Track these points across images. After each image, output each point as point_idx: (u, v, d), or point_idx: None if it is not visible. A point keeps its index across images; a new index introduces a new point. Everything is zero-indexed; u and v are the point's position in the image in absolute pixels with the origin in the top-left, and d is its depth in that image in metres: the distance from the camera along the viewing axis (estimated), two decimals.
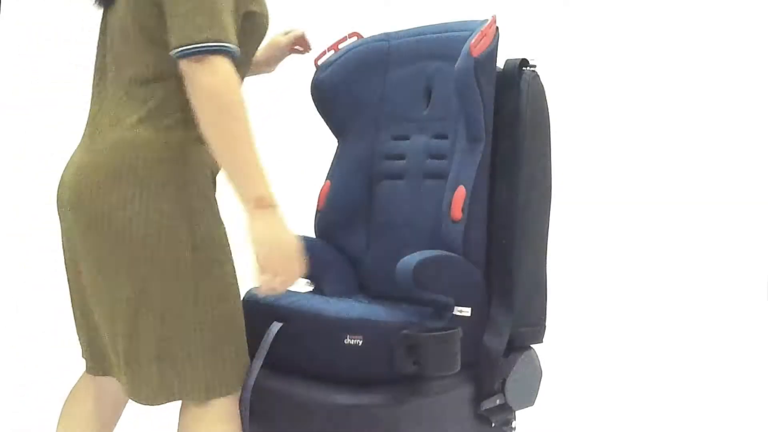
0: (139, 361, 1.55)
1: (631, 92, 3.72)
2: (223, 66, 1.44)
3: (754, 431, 2.82)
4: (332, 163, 2.09)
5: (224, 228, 1.61)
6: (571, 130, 3.53)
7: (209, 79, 1.43)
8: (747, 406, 2.99)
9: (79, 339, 1.75)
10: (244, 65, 1.66)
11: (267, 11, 1.66)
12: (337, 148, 2.09)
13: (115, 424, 1.80)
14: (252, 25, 1.61)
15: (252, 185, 1.47)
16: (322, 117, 2.08)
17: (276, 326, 1.71)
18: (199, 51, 1.43)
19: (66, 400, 1.80)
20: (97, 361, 1.71)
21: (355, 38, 2.11)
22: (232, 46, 1.46)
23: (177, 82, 1.53)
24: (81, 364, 1.77)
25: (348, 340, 1.64)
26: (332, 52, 2.07)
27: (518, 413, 1.87)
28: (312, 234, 2.08)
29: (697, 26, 3.68)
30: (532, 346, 1.88)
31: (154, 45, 1.54)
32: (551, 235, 1.89)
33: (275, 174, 1.75)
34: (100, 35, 1.70)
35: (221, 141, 1.46)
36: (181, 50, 1.43)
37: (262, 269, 1.50)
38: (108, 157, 1.54)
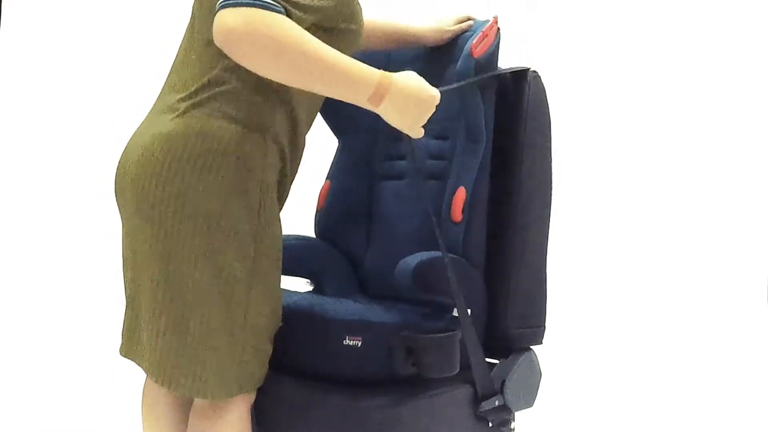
0: (176, 351, 1.52)
1: (632, 92, 3.72)
2: (242, 11, 1.37)
3: (753, 431, 2.83)
4: (332, 163, 2.09)
5: (281, 235, 1.61)
6: (571, 130, 3.52)
7: (233, 21, 1.36)
8: (746, 406, 2.99)
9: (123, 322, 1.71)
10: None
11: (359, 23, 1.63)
12: (338, 148, 2.09)
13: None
14: (345, 41, 1.60)
15: (359, 87, 1.44)
16: (323, 116, 2.08)
17: None
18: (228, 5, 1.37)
19: (142, 398, 1.79)
20: (130, 343, 1.67)
21: None
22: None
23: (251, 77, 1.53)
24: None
25: (347, 341, 1.64)
26: None
27: (517, 414, 1.87)
28: (312, 234, 2.07)
29: (698, 26, 3.67)
30: (531, 347, 1.88)
31: None
32: (551, 236, 1.89)
33: None
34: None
35: (296, 78, 1.40)
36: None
37: (416, 134, 1.53)
38: (172, 143, 1.51)
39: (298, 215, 2.36)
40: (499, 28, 1.80)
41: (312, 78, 1.40)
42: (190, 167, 1.49)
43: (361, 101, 1.46)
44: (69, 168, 3.55)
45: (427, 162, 1.92)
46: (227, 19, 1.36)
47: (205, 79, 1.55)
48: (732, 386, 3.15)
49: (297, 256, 1.98)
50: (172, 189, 1.49)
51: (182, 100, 1.56)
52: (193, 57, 1.59)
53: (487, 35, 1.77)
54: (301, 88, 1.43)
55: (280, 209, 1.68)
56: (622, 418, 2.91)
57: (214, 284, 1.50)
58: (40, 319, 3.46)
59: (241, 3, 1.37)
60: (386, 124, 2.03)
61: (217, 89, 1.54)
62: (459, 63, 1.79)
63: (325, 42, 1.53)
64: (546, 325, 1.90)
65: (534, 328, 1.87)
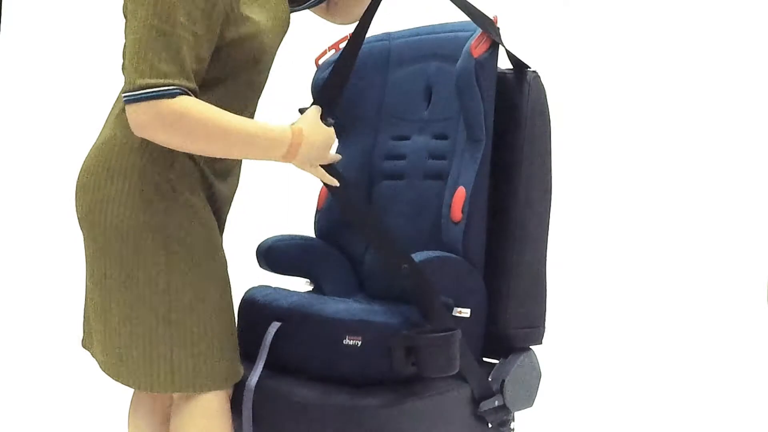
0: (113, 345, 1.60)
1: (631, 92, 3.72)
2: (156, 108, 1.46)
3: (753, 431, 2.83)
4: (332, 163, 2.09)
5: (210, 231, 1.64)
6: (571, 130, 3.52)
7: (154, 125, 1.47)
8: (746, 406, 2.99)
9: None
10: (246, 92, 1.67)
11: (263, 29, 1.63)
12: (338, 147, 2.09)
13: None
14: (240, 51, 1.60)
15: (274, 149, 1.55)
16: None
17: (275, 326, 1.72)
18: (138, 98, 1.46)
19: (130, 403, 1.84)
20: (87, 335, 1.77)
21: None
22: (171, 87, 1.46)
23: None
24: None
25: (347, 341, 1.64)
26: (333, 51, 2.07)
27: (517, 414, 1.87)
28: (312, 234, 2.07)
29: (698, 26, 3.67)
30: (531, 347, 1.88)
31: None
32: (551, 236, 1.89)
33: (276, 174, 1.76)
34: None
35: (213, 150, 1.51)
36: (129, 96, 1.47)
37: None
38: (102, 153, 1.62)
39: (298, 215, 2.36)
40: (498, 28, 1.80)
41: (229, 148, 1.51)
42: (103, 178, 1.59)
43: (276, 159, 1.58)
44: (66, 167, 3.55)
45: (427, 162, 1.92)
46: (136, 117, 1.47)
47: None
48: (732, 386, 3.15)
49: (297, 256, 1.98)
50: (92, 200, 1.60)
51: (113, 110, 1.67)
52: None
53: (486, 35, 1.77)
54: (222, 156, 1.54)
55: (223, 221, 1.74)
56: (622, 418, 2.91)
57: (128, 288, 1.57)
58: (37, 319, 3.46)
59: (141, 97, 1.45)
60: (386, 123, 2.03)
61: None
62: (459, 63, 1.79)
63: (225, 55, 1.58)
64: (546, 325, 1.90)
65: (534, 328, 1.87)
